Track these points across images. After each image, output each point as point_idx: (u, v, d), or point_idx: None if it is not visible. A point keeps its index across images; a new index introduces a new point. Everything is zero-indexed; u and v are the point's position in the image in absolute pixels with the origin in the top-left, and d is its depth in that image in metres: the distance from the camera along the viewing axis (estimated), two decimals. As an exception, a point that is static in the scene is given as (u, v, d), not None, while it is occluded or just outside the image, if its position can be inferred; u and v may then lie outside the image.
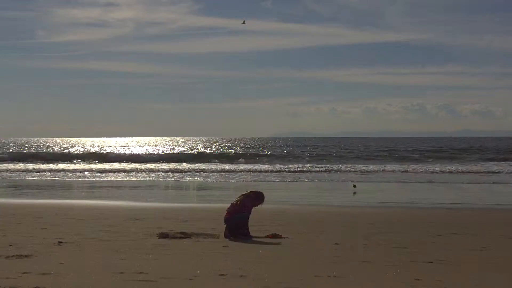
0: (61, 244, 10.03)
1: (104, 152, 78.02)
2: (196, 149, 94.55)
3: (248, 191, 11.69)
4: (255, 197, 11.40)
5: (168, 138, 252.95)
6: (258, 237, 11.02)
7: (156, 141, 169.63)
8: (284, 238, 11.07)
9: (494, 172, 40.66)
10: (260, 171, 42.50)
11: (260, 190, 11.83)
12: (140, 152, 77.50)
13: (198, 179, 35.38)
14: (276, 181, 33.27)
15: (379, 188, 28.91)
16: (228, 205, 11.46)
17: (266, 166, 49.18)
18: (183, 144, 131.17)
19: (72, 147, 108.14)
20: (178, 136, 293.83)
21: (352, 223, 13.67)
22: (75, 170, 44.26)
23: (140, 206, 18.33)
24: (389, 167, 46.82)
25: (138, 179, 35.14)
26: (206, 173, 40.58)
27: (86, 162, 56.47)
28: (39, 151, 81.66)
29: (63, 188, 29.14)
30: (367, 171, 42.33)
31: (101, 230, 11.87)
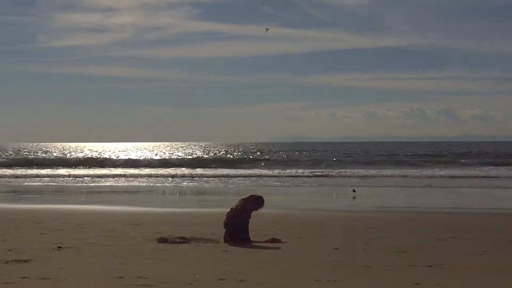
0: (60, 249, 10.02)
1: (103, 157, 78.00)
2: (196, 154, 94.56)
3: (248, 195, 11.68)
4: (255, 201, 11.38)
5: (167, 143, 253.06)
6: (258, 242, 11.01)
7: (156, 147, 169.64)
8: (284, 242, 11.06)
9: (493, 177, 40.68)
10: (259, 176, 42.50)
11: (260, 194, 11.81)
12: (139, 158, 77.45)
13: (197, 184, 35.37)
14: (275, 185, 33.26)
15: (379, 192, 28.91)
16: (228, 209, 11.45)
17: (265, 170, 49.16)
18: (182, 149, 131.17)
19: (71, 152, 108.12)
20: (178, 141, 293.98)
21: (352, 228, 13.66)
22: (74, 176, 44.27)
23: (139, 211, 18.32)
24: (388, 171, 46.82)
25: (137, 184, 35.12)
26: (205, 178, 40.58)
27: (85, 168, 56.43)
28: (39, 156, 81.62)
29: (62, 193, 29.13)
30: (366, 175, 42.34)
31: (100, 235, 11.86)
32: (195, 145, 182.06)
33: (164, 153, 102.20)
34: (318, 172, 46.38)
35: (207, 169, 52.74)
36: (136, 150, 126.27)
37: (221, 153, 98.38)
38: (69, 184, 35.24)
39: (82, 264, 8.58)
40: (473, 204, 22.76)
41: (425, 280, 7.60)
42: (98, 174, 45.35)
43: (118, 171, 49.78)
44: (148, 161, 66.92)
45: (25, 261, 8.74)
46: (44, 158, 73.26)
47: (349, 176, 41.91)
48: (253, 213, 11.33)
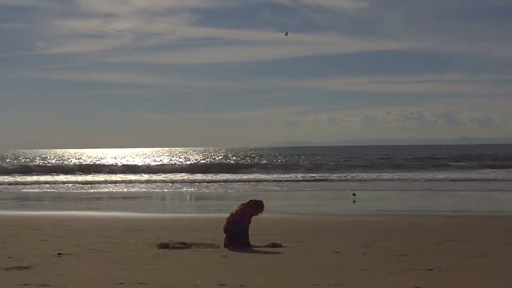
0: (60, 255, 10.02)
1: (103, 163, 77.96)
2: (195, 159, 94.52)
3: (248, 200, 11.70)
4: (255, 206, 11.40)
5: (167, 148, 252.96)
6: (258, 247, 11.02)
7: (155, 152, 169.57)
8: (284, 247, 11.07)
9: (492, 180, 40.70)
10: (258, 181, 42.49)
11: (260, 199, 11.83)
12: (138, 163, 77.43)
13: (197, 189, 35.37)
14: (275, 190, 33.26)
15: (378, 196, 28.91)
16: (228, 214, 11.47)
17: (265, 175, 49.15)
18: (181, 154, 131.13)
19: (71, 158, 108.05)
20: (177, 146, 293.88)
21: (352, 232, 13.67)
22: (73, 182, 44.25)
23: (139, 216, 18.33)
24: (388, 175, 46.83)
25: (136, 190, 35.11)
26: (204, 183, 40.58)
27: (85, 174, 56.38)
28: (38, 163, 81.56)
29: (61, 199, 29.11)
30: (366, 179, 42.34)
31: (100, 241, 11.86)
32: (194, 151, 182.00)
33: (162, 159, 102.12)
34: (318, 176, 46.40)
35: (206, 174, 52.73)
36: (135, 156, 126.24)
37: (220, 158, 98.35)
38: (68, 191, 35.22)
39: (83, 270, 8.59)
40: (472, 207, 22.78)
41: (425, 284, 7.61)
42: (97, 180, 45.33)
43: (117, 177, 49.78)
44: (147, 167, 66.89)
45: (25, 268, 8.75)
46: (43, 165, 73.17)
47: (348, 180, 41.92)
48: (253, 218, 11.35)
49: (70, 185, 41.00)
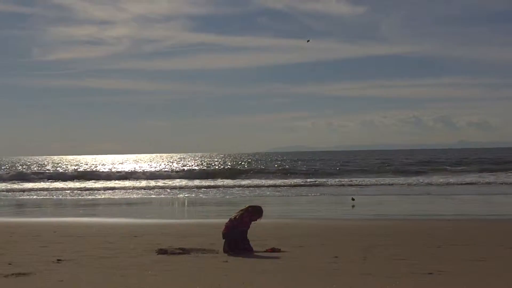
0: (60, 261, 10.00)
1: (101, 170, 77.91)
2: (194, 165, 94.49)
3: (247, 205, 11.71)
4: (254, 212, 11.41)
5: (165, 154, 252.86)
6: (258, 252, 11.01)
7: (153, 158, 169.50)
8: (284, 252, 11.07)
9: (491, 183, 40.73)
10: (257, 186, 42.48)
11: (259, 205, 11.83)
12: (137, 170, 77.35)
13: (196, 195, 35.34)
14: (274, 195, 33.24)
15: (377, 201, 28.92)
16: (226, 220, 11.47)
17: (264, 180, 49.13)
18: (179, 160, 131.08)
19: (68, 165, 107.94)
20: (176, 152, 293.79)
21: (351, 236, 13.66)
22: (71, 189, 44.19)
23: (138, 222, 18.30)
24: (386, 179, 46.88)
25: (135, 196, 35.07)
26: (203, 189, 40.55)
27: (83, 180, 56.29)
28: (36, 170, 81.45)
29: (60, 206, 29.07)
30: (365, 184, 42.34)
31: (99, 247, 11.84)
32: (192, 156, 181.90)
33: (160, 165, 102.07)
34: (317, 181, 46.39)
35: (205, 180, 52.70)
36: (133, 162, 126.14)
37: (219, 163, 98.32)
38: (66, 197, 35.16)
39: (82, 276, 8.57)
40: (472, 211, 22.77)
41: (426, 287, 7.60)
42: (95, 187, 45.27)
43: (115, 183, 49.71)
44: (145, 173, 66.80)
45: (25, 274, 8.72)
46: (40, 172, 73.04)
47: (347, 185, 41.92)
48: (252, 223, 11.35)
49: (69, 191, 40.93)
